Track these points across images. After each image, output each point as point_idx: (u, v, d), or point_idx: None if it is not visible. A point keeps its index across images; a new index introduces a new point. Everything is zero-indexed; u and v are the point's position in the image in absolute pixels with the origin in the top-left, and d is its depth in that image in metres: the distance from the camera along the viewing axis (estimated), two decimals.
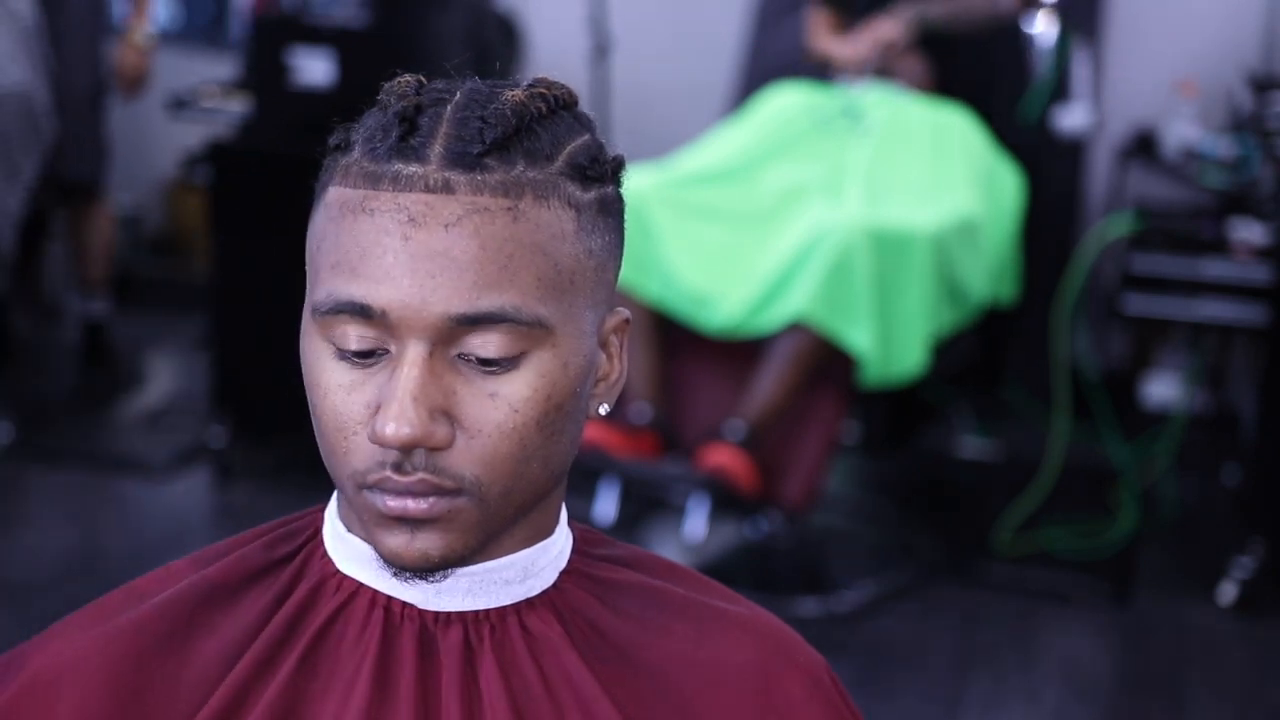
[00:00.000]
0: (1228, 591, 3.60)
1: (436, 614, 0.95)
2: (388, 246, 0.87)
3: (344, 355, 0.89)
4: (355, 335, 0.89)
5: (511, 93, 0.91)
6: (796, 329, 3.30)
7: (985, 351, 4.19)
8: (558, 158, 0.91)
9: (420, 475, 0.88)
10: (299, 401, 3.88)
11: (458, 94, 0.92)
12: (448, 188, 0.88)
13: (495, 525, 0.92)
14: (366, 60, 3.89)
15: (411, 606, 0.95)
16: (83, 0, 4.27)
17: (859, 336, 3.28)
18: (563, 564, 0.99)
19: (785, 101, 3.75)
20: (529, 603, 0.96)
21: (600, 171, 0.93)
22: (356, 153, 0.92)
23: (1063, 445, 3.91)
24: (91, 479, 4.07)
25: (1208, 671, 3.38)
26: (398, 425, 0.86)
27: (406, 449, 0.87)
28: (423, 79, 0.95)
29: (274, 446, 4.24)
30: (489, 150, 0.88)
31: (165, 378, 4.86)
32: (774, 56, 4.33)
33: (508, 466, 0.89)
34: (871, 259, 3.29)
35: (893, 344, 3.33)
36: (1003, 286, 3.75)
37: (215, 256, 4.08)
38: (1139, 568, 3.73)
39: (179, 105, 4.51)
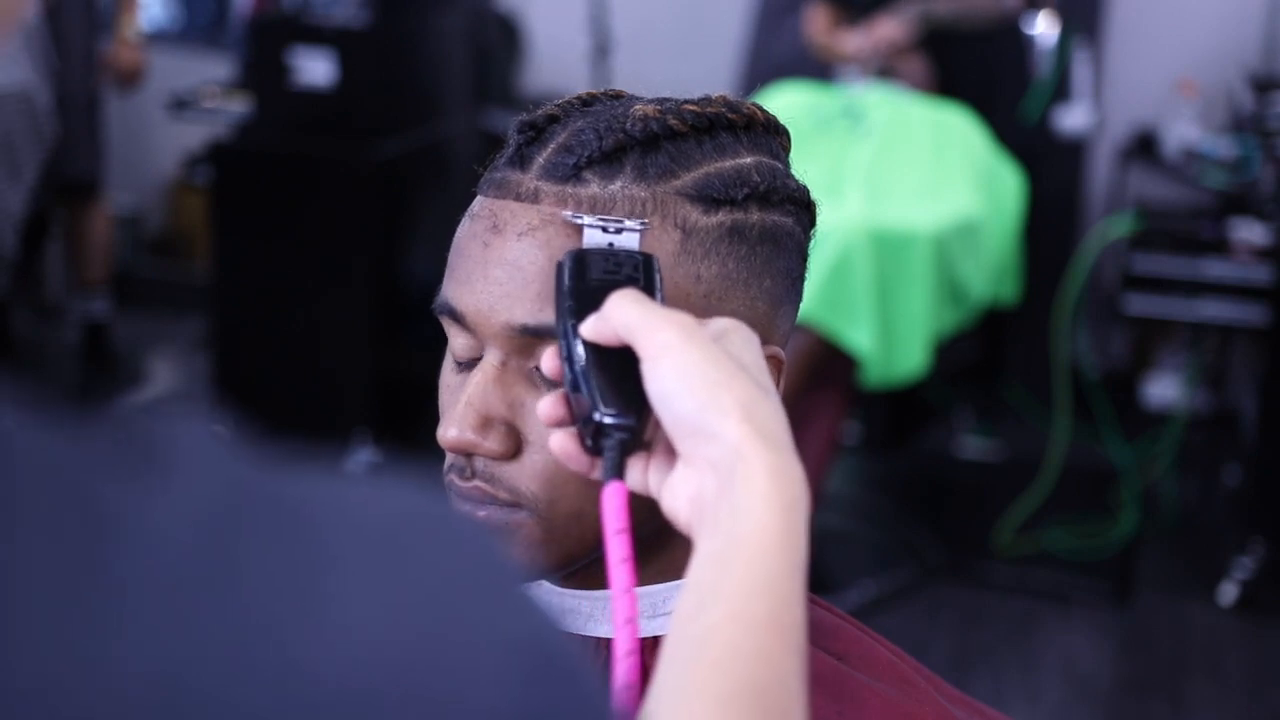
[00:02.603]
0: (1228, 591, 3.60)
1: None
2: (472, 252, 0.88)
3: (455, 357, 0.90)
4: (457, 337, 0.89)
5: (639, 107, 0.88)
6: (797, 329, 3.29)
7: (985, 351, 4.19)
8: (681, 176, 0.87)
9: (476, 483, 0.88)
10: (299, 401, 3.90)
11: (595, 105, 0.90)
12: (534, 197, 0.86)
13: (572, 547, 0.88)
14: (366, 60, 3.89)
15: None
16: None
17: (859, 337, 3.28)
18: None
19: (785, 102, 3.75)
20: (655, 640, 0.91)
21: (734, 196, 0.88)
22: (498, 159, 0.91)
23: (1063, 445, 3.91)
24: None
25: (1208, 671, 3.38)
26: (446, 428, 0.87)
27: (457, 453, 0.87)
28: (610, 95, 0.93)
29: (274, 446, 4.23)
30: (588, 163, 0.86)
31: (165, 378, 4.86)
32: (774, 56, 4.33)
33: (571, 487, 0.86)
34: (872, 259, 3.29)
35: (894, 344, 3.33)
36: (1003, 286, 3.75)
37: (215, 256, 4.08)
38: (1139, 568, 3.73)
39: (179, 105, 4.51)
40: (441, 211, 4.20)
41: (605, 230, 0.84)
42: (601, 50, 4.33)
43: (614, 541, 0.75)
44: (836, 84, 3.89)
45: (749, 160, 0.90)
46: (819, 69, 3.99)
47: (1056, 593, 3.64)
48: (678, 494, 0.75)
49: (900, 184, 3.57)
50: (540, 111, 0.90)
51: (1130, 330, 4.70)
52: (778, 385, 0.91)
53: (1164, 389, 4.55)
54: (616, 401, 0.76)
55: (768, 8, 4.46)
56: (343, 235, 3.93)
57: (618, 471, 0.77)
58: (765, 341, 0.90)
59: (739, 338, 0.77)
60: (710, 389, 0.72)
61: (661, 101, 0.90)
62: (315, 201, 3.96)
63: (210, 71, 5.04)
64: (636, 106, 0.89)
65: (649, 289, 0.80)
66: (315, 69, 3.89)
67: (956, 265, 3.46)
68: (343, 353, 3.96)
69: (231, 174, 4.00)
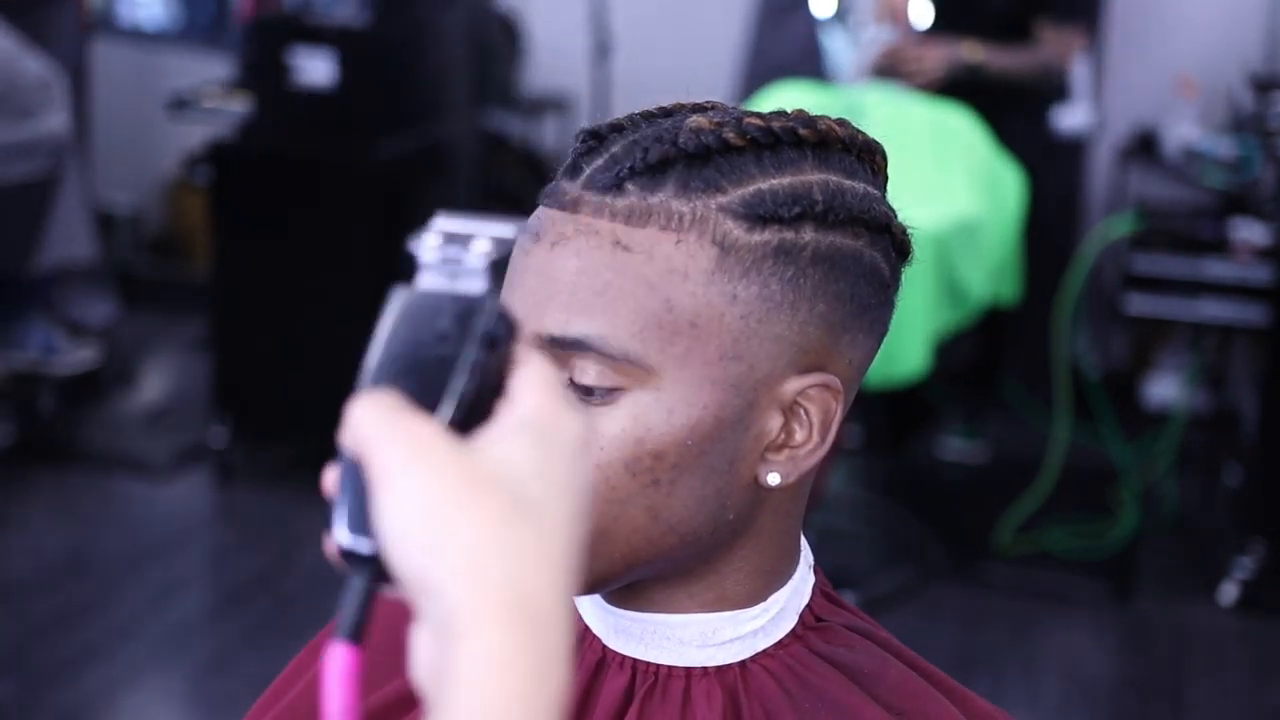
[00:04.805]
0: (1228, 591, 3.60)
1: (616, 653, 0.93)
2: (516, 260, 0.87)
3: None
4: None
5: (695, 119, 0.87)
6: None
7: (985, 352, 4.19)
8: (729, 192, 0.85)
9: None
10: (299, 401, 3.91)
11: (674, 117, 0.89)
12: (574, 206, 0.85)
13: (600, 566, 0.87)
14: (366, 60, 3.89)
15: (598, 639, 0.94)
16: None
17: None
18: (763, 645, 0.92)
19: (785, 101, 3.74)
20: (704, 671, 0.92)
21: (783, 214, 0.84)
22: None
23: (1063, 445, 3.91)
24: (91, 479, 4.07)
25: (1208, 671, 3.38)
26: None
27: None
28: (701, 106, 0.91)
29: (274, 446, 4.24)
30: (631, 174, 0.85)
31: (165, 378, 4.86)
32: (774, 56, 4.32)
33: (594, 505, 0.84)
34: None
35: (893, 345, 3.33)
36: (1003, 286, 3.75)
37: (215, 256, 4.08)
38: (1139, 568, 3.73)
39: (179, 105, 4.51)
40: (441, 211, 4.19)
41: (448, 261, 0.68)
42: (601, 50, 4.33)
43: None
44: (836, 84, 3.88)
45: (814, 178, 0.87)
46: (819, 69, 3.99)
47: (1056, 593, 3.64)
48: (419, 656, 0.58)
49: (900, 184, 3.56)
50: (607, 120, 0.89)
51: (1130, 330, 4.70)
52: (834, 416, 0.88)
53: (1164, 389, 4.55)
54: (364, 524, 0.59)
55: (768, 8, 4.45)
56: (343, 235, 3.93)
57: (351, 627, 0.58)
58: (821, 369, 0.87)
59: (545, 444, 0.60)
60: (433, 530, 0.56)
61: (724, 114, 0.88)
62: (315, 201, 3.96)
63: (210, 71, 5.03)
64: (692, 119, 0.87)
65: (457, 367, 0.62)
66: (315, 69, 3.89)
67: (956, 265, 3.46)
68: (342, 353, 3.95)
69: (231, 174, 4.00)
